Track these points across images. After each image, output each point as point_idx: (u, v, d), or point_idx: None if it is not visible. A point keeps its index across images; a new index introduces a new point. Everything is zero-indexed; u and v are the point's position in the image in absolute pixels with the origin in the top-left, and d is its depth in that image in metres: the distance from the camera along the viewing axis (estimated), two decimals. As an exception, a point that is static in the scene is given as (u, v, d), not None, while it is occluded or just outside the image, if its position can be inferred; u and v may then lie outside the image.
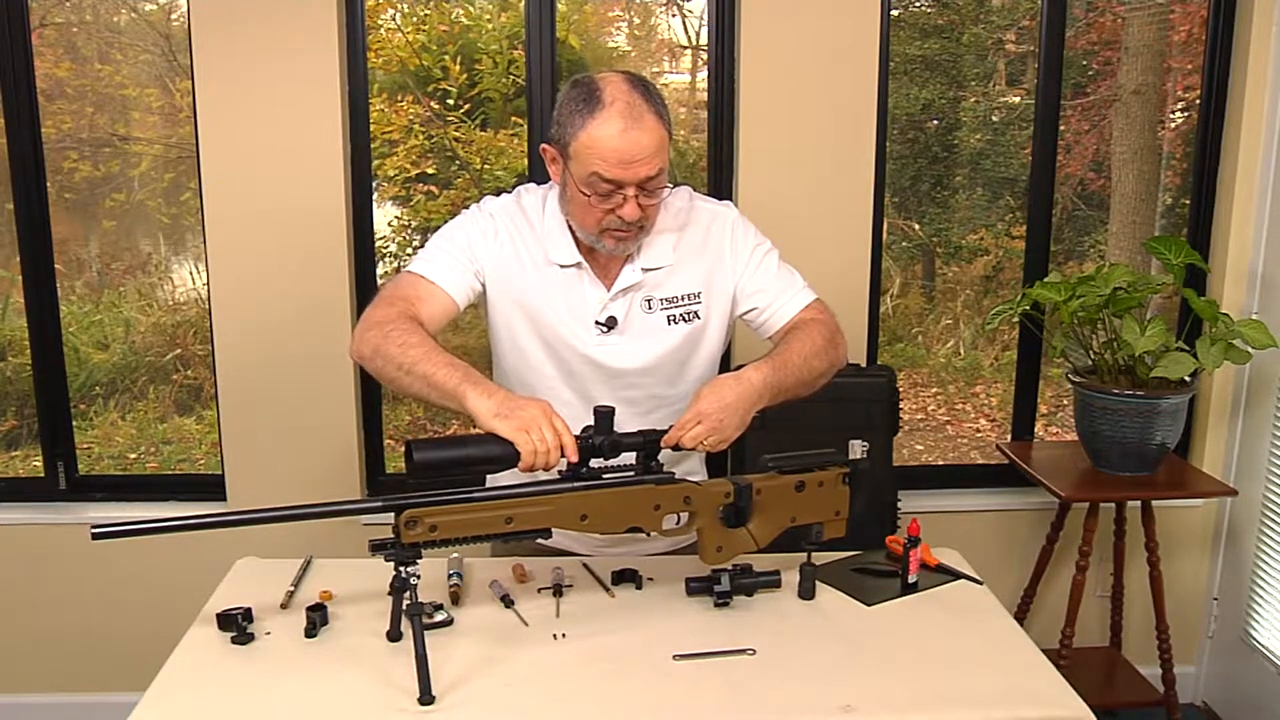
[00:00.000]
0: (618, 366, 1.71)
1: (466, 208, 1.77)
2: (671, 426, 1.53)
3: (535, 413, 1.42)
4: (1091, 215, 3.80)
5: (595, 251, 1.68)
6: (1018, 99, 3.71)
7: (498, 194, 1.78)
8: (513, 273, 1.70)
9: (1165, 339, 2.41)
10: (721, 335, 1.79)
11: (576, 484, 1.47)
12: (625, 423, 1.54)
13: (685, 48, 3.48)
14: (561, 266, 1.69)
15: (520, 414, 1.42)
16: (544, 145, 1.65)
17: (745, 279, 1.76)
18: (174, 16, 3.12)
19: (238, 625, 1.49)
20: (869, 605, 1.63)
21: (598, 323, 1.70)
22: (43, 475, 2.86)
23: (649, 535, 1.57)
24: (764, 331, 1.79)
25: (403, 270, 1.71)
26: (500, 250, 1.70)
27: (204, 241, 2.65)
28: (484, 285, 1.71)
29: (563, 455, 1.43)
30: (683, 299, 1.73)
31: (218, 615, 1.52)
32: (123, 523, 1.36)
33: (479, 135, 3.46)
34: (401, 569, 1.38)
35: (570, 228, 1.68)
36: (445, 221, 1.77)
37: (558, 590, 1.64)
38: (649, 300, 1.72)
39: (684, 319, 1.73)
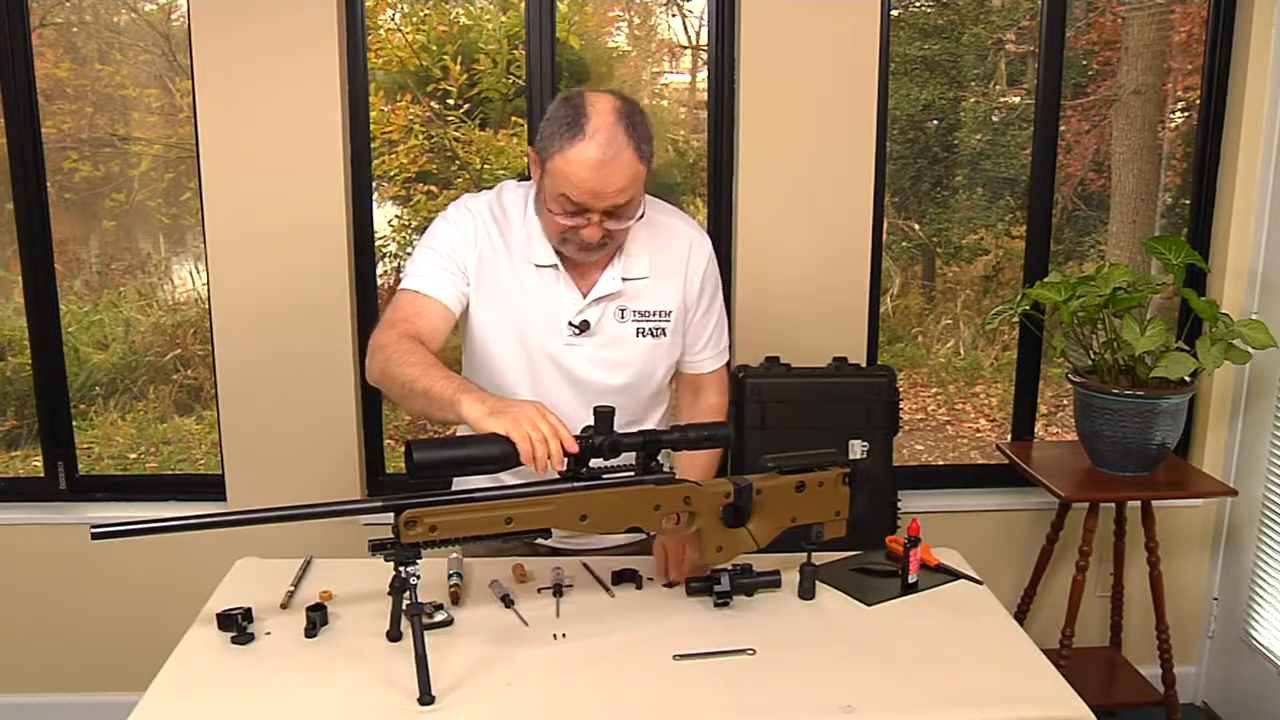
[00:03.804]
0: (583, 373, 1.72)
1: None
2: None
3: (529, 409, 1.43)
4: (1091, 215, 3.80)
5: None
6: (1018, 99, 3.71)
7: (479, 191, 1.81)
8: (489, 267, 1.72)
9: (1165, 339, 2.41)
10: (677, 356, 1.82)
11: (576, 484, 1.47)
12: None
13: (685, 48, 3.49)
14: (539, 266, 1.71)
15: (513, 411, 1.42)
16: (529, 146, 1.68)
17: (696, 316, 1.81)
18: (174, 16, 3.12)
19: (238, 625, 1.50)
20: (869, 605, 1.63)
21: (571, 324, 1.71)
22: (43, 475, 2.86)
23: (649, 535, 1.57)
24: (678, 367, 1.85)
25: (398, 289, 1.74)
26: (480, 247, 1.72)
27: (204, 241, 2.65)
28: (469, 284, 1.72)
29: (563, 450, 1.43)
30: (654, 314, 1.75)
31: (218, 615, 1.52)
32: (123, 523, 1.36)
33: (479, 135, 3.47)
34: (401, 569, 1.38)
35: None
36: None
37: (558, 590, 1.64)
38: (622, 310, 1.73)
39: (651, 334, 1.76)
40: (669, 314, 1.76)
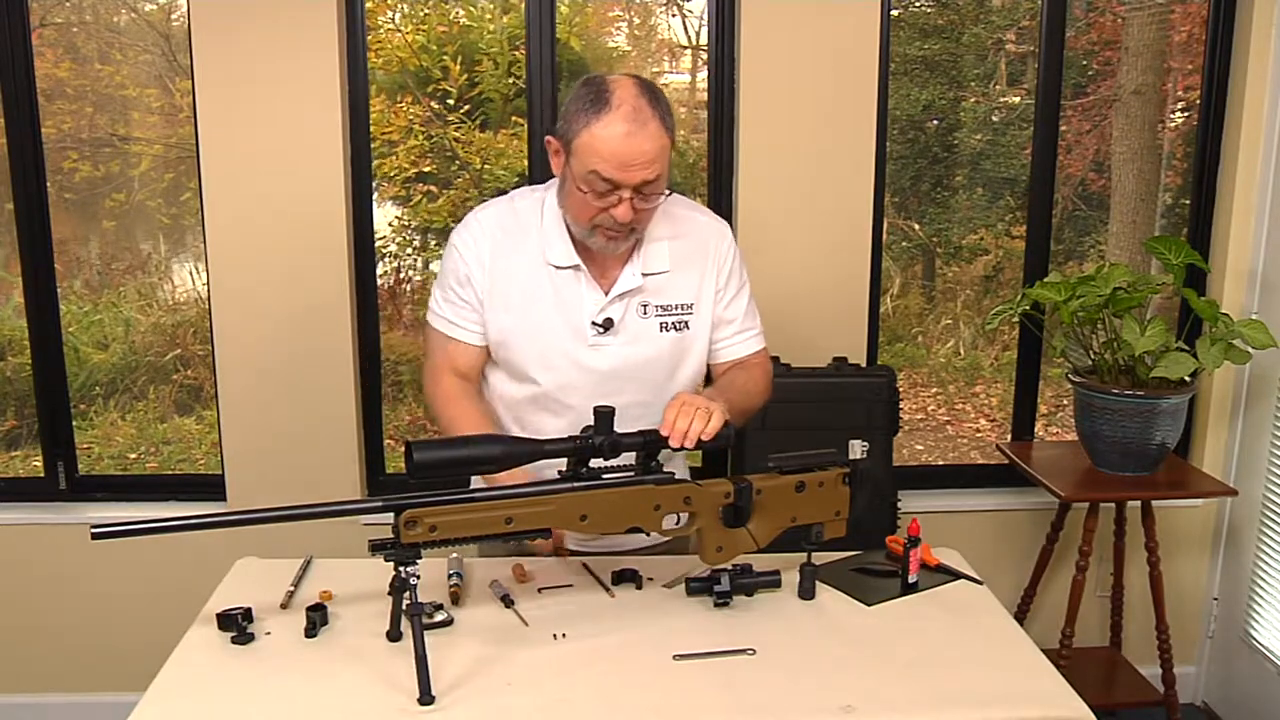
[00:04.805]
0: (608, 368, 1.72)
1: (468, 210, 1.80)
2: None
3: None
4: (1091, 215, 3.80)
5: (592, 254, 1.70)
6: (1018, 99, 3.71)
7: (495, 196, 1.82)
8: (503, 281, 1.72)
9: (1165, 339, 2.41)
10: (706, 349, 1.81)
11: (576, 484, 1.48)
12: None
13: (685, 48, 3.49)
14: (558, 268, 1.70)
15: None
16: (549, 137, 1.68)
17: (721, 305, 1.80)
18: (174, 16, 3.12)
19: (238, 625, 1.49)
20: (869, 605, 1.63)
21: (594, 323, 1.70)
22: (43, 475, 2.86)
23: (649, 535, 1.57)
24: (711, 358, 1.84)
25: (427, 322, 1.80)
26: (491, 261, 1.72)
27: (204, 241, 2.65)
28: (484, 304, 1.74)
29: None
30: (676, 308, 1.75)
31: (218, 615, 1.52)
32: (123, 523, 1.36)
33: (479, 136, 3.46)
34: (401, 569, 1.38)
35: (569, 231, 1.70)
36: (445, 222, 1.80)
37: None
38: (644, 305, 1.73)
39: (674, 327, 1.75)
40: (691, 306, 1.76)
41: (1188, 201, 2.95)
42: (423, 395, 1.73)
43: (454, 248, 1.75)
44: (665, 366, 1.75)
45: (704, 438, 1.51)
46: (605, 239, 1.64)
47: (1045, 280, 2.56)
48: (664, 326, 1.74)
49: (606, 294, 1.71)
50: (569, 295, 1.71)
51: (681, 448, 1.52)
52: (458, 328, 1.75)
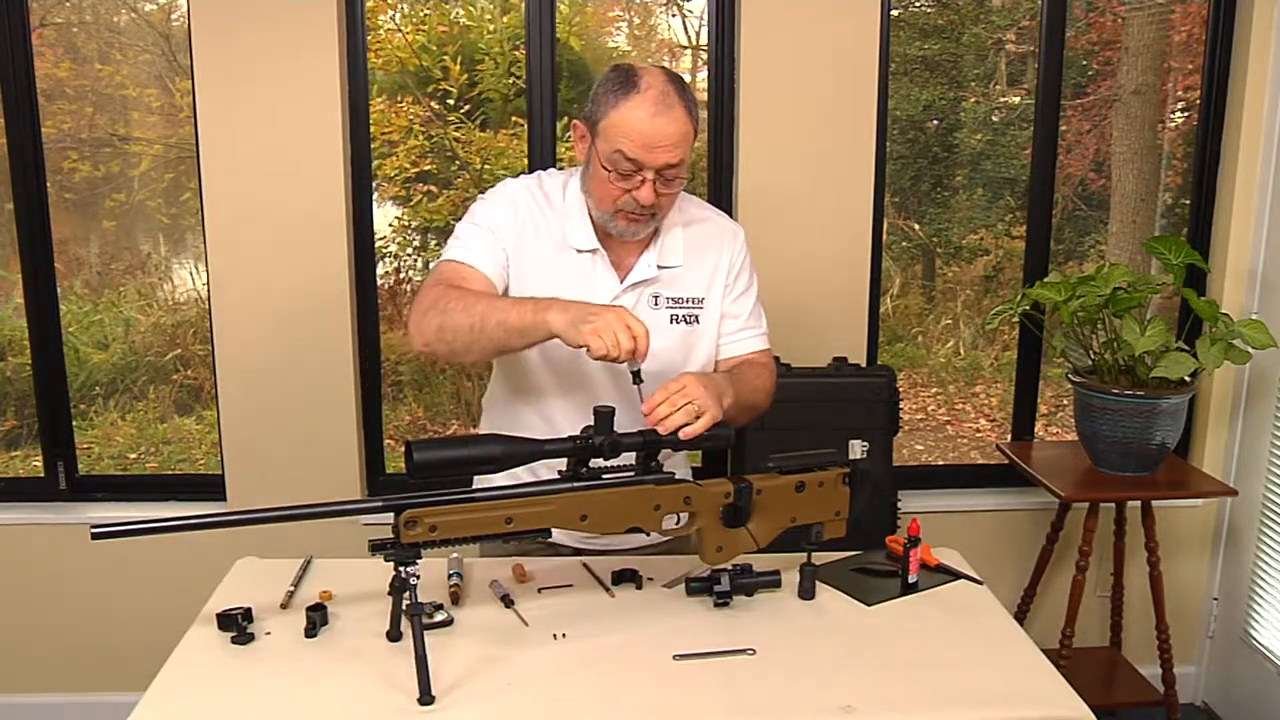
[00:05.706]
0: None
1: (473, 201, 1.80)
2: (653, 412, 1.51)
3: (610, 320, 1.46)
4: (1091, 215, 3.80)
5: (611, 240, 1.72)
6: (1018, 99, 3.71)
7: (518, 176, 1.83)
8: (527, 251, 1.72)
9: (1165, 339, 2.41)
10: (715, 344, 1.82)
11: (576, 484, 1.48)
12: (618, 422, 1.54)
13: (685, 48, 3.49)
14: (577, 251, 1.72)
15: (595, 323, 1.45)
16: (575, 122, 1.71)
17: (729, 299, 1.82)
18: (174, 16, 3.12)
19: (238, 625, 1.50)
20: (869, 605, 1.63)
21: None
22: (43, 475, 2.86)
23: (649, 535, 1.57)
24: (724, 351, 1.84)
25: (439, 260, 1.75)
26: (521, 225, 1.73)
27: (204, 241, 2.65)
28: (509, 261, 1.73)
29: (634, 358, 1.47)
30: (687, 301, 1.77)
31: (218, 615, 1.52)
32: (123, 523, 1.36)
33: (479, 135, 3.46)
34: (401, 569, 1.38)
35: (590, 215, 1.72)
36: (446, 221, 1.79)
37: (558, 590, 1.63)
38: (656, 297, 1.75)
39: (685, 320, 1.77)
40: (702, 300, 1.78)
41: (1188, 201, 2.95)
42: (407, 329, 1.65)
43: (491, 202, 1.74)
44: (673, 359, 1.75)
45: (683, 435, 1.50)
46: (626, 222, 1.66)
47: (1045, 280, 2.56)
48: (674, 319, 1.76)
49: (622, 281, 1.73)
50: (585, 279, 1.72)
51: (672, 436, 1.51)
52: (477, 255, 1.70)
